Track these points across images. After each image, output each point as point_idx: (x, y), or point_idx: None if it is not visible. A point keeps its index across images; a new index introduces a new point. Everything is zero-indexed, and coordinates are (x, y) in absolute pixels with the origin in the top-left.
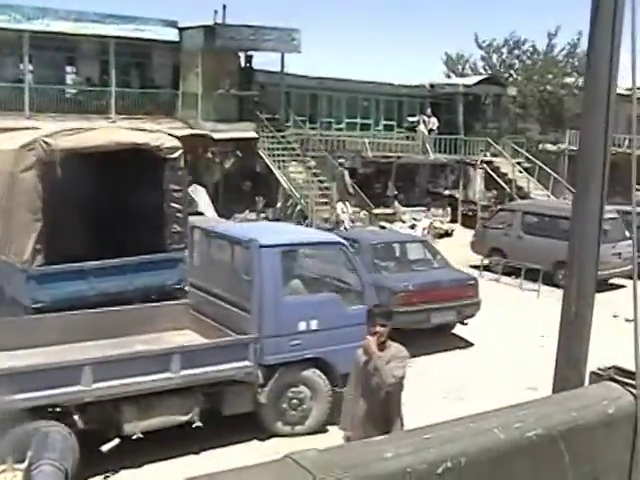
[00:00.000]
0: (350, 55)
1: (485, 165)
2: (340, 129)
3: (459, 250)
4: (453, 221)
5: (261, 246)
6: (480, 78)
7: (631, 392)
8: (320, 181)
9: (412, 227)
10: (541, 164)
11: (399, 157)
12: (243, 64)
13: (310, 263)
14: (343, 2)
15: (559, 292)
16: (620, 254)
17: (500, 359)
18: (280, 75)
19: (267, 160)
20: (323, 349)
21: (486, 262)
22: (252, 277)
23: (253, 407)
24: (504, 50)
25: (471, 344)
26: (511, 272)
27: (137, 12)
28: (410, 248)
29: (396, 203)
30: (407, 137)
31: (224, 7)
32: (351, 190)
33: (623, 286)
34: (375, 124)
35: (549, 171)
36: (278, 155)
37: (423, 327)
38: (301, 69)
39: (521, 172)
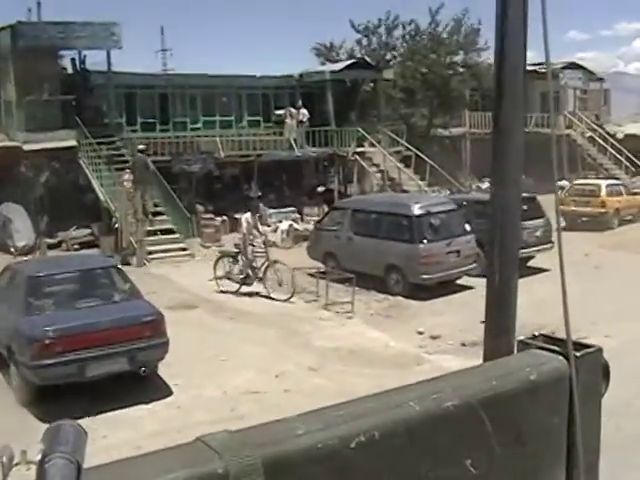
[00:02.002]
0: (234, 54)
1: (357, 156)
2: (197, 129)
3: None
4: None
5: None
6: (347, 63)
7: (556, 358)
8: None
9: (275, 231)
10: (417, 152)
11: (259, 155)
12: (77, 65)
13: None
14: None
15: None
16: (459, 252)
17: None
18: (107, 75)
19: (87, 171)
20: None
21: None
22: None
23: None
24: (381, 31)
25: None
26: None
27: None
28: (85, 278)
29: (261, 205)
30: (275, 132)
31: (38, 4)
32: (152, 179)
33: (470, 287)
34: (238, 121)
35: (425, 159)
36: (100, 164)
37: (78, 382)
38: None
39: (404, 162)
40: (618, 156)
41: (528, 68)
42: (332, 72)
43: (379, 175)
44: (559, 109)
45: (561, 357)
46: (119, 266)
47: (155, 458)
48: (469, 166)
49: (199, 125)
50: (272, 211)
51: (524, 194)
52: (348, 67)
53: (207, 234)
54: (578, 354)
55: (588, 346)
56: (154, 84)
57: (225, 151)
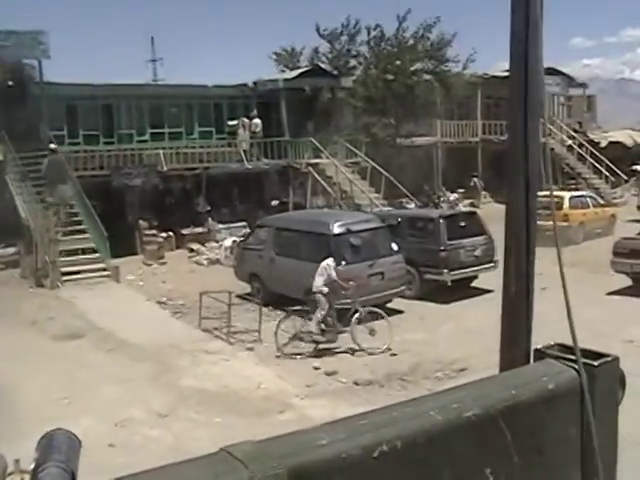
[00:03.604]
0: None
1: (311, 169)
2: (144, 141)
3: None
4: None
5: None
6: (301, 70)
7: (572, 367)
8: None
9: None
10: (373, 164)
11: (207, 168)
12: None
13: None
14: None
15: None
16: (383, 274)
17: None
18: (40, 85)
19: (11, 187)
20: None
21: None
22: None
23: None
24: (343, 38)
25: None
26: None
27: None
28: None
29: (210, 220)
30: (229, 144)
31: None
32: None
33: (399, 311)
34: (189, 132)
35: (381, 171)
36: (25, 180)
37: None
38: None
39: (362, 174)
40: (597, 165)
41: (501, 74)
42: (285, 80)
43: (330, 189)
44: None
45: (577, 366)
46: None
47: (180, 469)
48: (441, 177)
49: (146, 137)
50: (221, 226)
51: (462, 209)
52: (303, 75)
53: (149, 251)
54: (596, 363)
55: (605, 355)
56: (96, 95)
57: (169, 164)
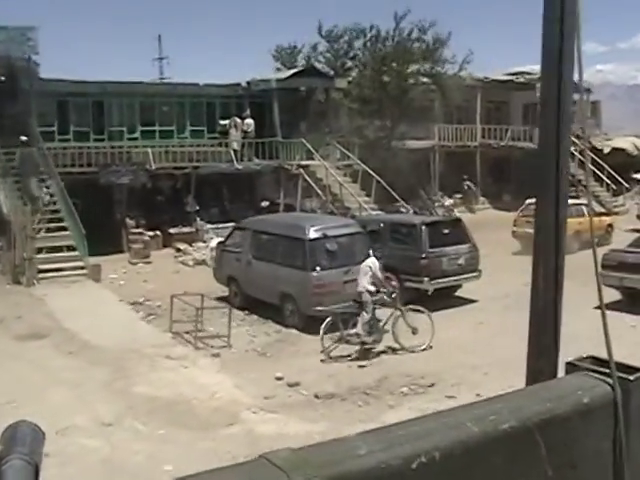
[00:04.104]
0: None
1: (302, 170)
2: (134, 139)
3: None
4: None
5: None
6: (295, 71)
7: (606, 381)
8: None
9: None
10: (365, 166)
11: (196, 167)
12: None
13: None
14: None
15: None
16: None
17: None
18: (30, 81)
19: None
20: None
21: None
22: None
23: None
24: (342, 40)
25: None
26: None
27: None
28: None
29: (198, 220)
30: (221, 143)
31: None
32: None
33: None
34: (180, 131)
35: (372, 174)
36: (7, 175)
37: None
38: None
39: (354, 177)
40: (599, 173)
41: (504, 78)
42: (278, 80)
43: (321, 191)
44: (529, 122)
45: (611, 380)
46: None
47: (220, 475)
48: (438, 181)
49: (136, 135)
50: (210, 226)
51: (445, 216)
52: (297, 75)
53: (135, 250)
54: (632, 378)
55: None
56: (87, 91)
57: (158, 162)
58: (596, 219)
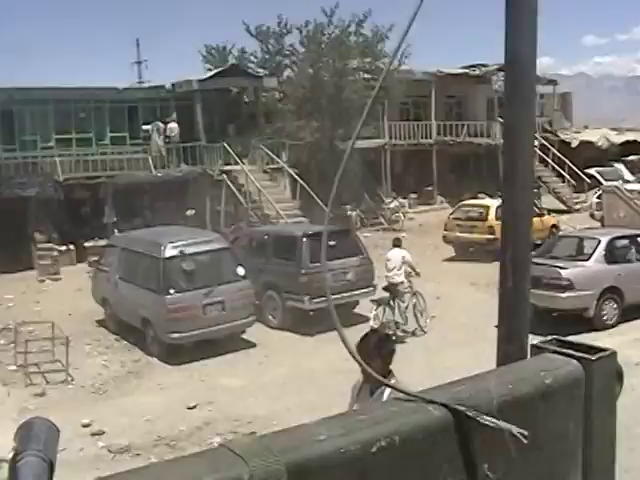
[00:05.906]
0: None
1: (225, 176)
2: (49, 148)
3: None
4: None
5: None
6: (217, 70)
7: (569, 362)
8: None
9: None
10: (290, 170)
11: (110, 176)
12: None
13: None
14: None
15: None
16: (223, 303)
17: None
18: None
19: None
20: None
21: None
22: None
23: None
24: (272, 37)
25: None
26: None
27: None
28: None
29: (116, 232)
30: (145, 150)
31: None
32: None
33: (253, 345)
34: (99, 138)
35: (297, 177)
36: None
37: None
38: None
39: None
40: (558, 168)
41: (458, 71)
42: (200, 81)
43: (242, 198)
44: (494, 117)
45: (575, 361)
46: None
47: (180, 464)
48: (390, 182)
49: (51, 144)
50: None
51: (333, 227)
52: (220, 75)
53: (42, 266)
54: (593, 357)
55: (603, 349)
56: None
57: (67, 173)
58: (537, 220)
